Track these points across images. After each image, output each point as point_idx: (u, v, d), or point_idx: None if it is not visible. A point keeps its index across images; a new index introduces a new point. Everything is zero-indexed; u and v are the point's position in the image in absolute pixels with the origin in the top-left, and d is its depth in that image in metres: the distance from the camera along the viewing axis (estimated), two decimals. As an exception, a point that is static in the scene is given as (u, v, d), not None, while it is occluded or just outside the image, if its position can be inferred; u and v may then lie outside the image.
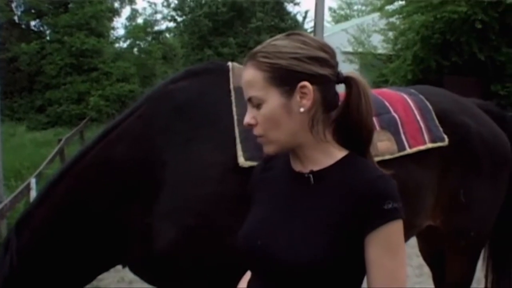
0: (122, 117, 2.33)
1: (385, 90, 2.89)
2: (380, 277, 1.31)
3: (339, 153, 1.45)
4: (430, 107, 2.72)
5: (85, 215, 2.20)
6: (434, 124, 2.65)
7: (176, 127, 2.25)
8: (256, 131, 1.42)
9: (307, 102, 1.39)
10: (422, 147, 2.57)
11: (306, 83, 1.38)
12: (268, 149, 1.44)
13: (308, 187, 1.43)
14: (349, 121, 1.45)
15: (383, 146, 2.43)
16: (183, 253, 2.16)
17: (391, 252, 1.31)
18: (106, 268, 2.40)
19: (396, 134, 2.52)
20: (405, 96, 2.75)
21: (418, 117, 2.65)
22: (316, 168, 1.44)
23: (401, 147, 2.50)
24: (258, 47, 1.42)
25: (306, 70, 1.38)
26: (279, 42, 1.41)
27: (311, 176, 1.43)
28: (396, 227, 1.33)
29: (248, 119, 1.42)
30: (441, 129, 2.65)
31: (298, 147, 1.44)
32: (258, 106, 1.39)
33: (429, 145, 2.59)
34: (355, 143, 1.47)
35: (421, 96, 2.78)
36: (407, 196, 2.43)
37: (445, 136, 2.64)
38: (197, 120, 2.27)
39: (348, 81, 1.46)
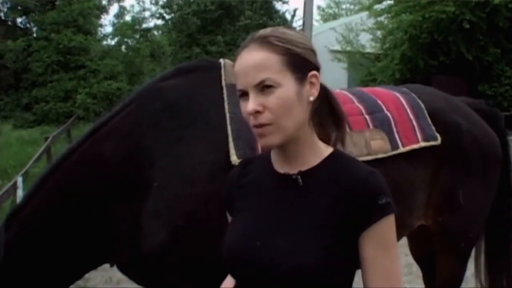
0: (111, 115, 2.29)
1: (377, 88, 2.88)
2: (377, 276, 1.30)
3: (326, 150, 1.42)
4: (423, 105, 2.71)
5: (72, 212, 2.16)
6: (426, 123, 2.64)
7: (166, 125, 2.21)
8: (263, 119, 1.32)
9: (315, 92, 1.38)
10: (415, 146, 2.55)
11: (316, 72, 1.38)
12: (272, 140, 1.34)
13: (296, 189, 1.39)
14: (323, 113, 1.45)
15: (376, 145, 2.41)
16: (172, 254, 2.11)
17: (386, 249, 1.31)
18: (94, 267, 2.35)
19: (389, 133, 2.51)
20: (398, 94, 2.74)
21: (411, 116, 2.64)
22: (303, 168, 1.40)
23: (394, 146, 2.49)
24: (265, 32, 1.36)
25: (314, 61, 1.38)
26: (287, 31, 1.38)
27: (299, 177, 1.39)
28: (390, 222, 1.33)
29: (254, 105, 1.31)
30: (433, 128, 2.65)
31: (293, 142, 1.38)
32: (269, 91, 1.31)
33: (422, 144, 2.58)
34: (332, 134, 1.46)
35: (413, 95, 2.77)
36: (400, 196, 2.42)
37: (438, 135, 2.63)
38: (187, 118, 2.23)
39: None
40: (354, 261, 1.33)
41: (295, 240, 1.32)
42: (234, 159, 2.10)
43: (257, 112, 1.31)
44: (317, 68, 1.39)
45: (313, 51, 1.39)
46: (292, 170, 1.41)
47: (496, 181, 2.94)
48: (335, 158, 1.41)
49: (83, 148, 2.21)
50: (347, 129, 2.35)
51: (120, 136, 2.21)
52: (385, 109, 2.59)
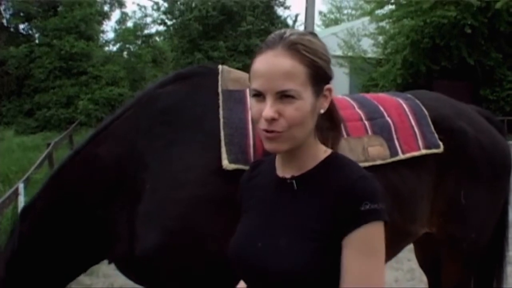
0: (112, 118, 2.36)
1: (380, 94, 2.85)
2: (350, 281, 1.26)
3: (324, 154, 1.43)
4: (426, 112, 2.67)
5: (71, 211, 2.26)
6: (429, 130, 2.60)
7: (159, 129, 2.26)
8: (277, 126, 1.31)
9: (326, 105, 1.40)
10: (415, 153, 2.51)
11: (331, 86, 1.39)
12: (281, 147, 1.35)
13: (292, 193, 1.40)
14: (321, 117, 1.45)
15: (374, 151, 2.39)
16: (164, 256, 2.15)
17: (365, 255, 1.26)
18: (96, 262, 2.45)
19: (389, 140, 2.48)
20: (401, 101, 2.70)
21: (413, 123, 2.60)
22: (299, 172, 1.41)
23: (393, 153, 2.46)
24: (293, 37, 1.33)
25: (330, 73, 1.39)
26: (313, 39, 1.37)
27: (293, 181, 1.40)
28: (373, 229, 1.27)
29: (272, 113, 1.29)
30: (436, 135, 2.60)
31: (299, 147, 1.39)
32: (288, 100, 1.30)
33: (423, 152, 2.53)
34: (326, 143, 1.47)
35: (417, 101, 2.73)
36: (401, 203, 2.43)
37: (440, 143, 2.58)
38: (180, 123, 2.27)
39: None
40: None
41: (286, 243, 1.33)
42: (226, 163, 2.12)
43: (273, 119, 1.30)
44: (330, 80, 1.40)
45: (330, 63, 1.39)
46: (289, 174, 1.42)
47: (505, 188, 2.90)
48: (330, 162, 1.41)
49: (84, 151, 2.31)
50: (345, 135, 2.36)
51: (115, 140, 2.28)
52: (386, 115, 2.56)
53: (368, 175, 1.35)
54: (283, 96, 1.29)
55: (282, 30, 1.37)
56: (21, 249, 2.28)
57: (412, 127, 2.58)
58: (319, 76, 1.34)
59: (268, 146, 1.36)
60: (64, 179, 2.30)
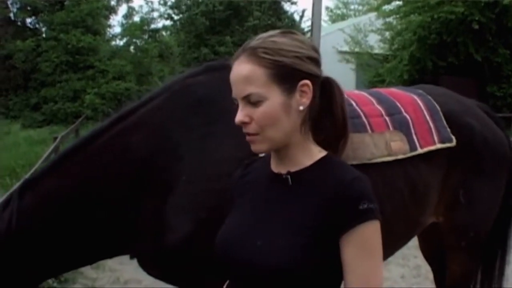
0: (138, 104, 2.34)
1: (394, 90, 2.93)
2: (354, 278, 1.30)
3: (319, 154, 1.46)
4: (438, 108, 2.76)
5: (93, 198, 2.21)
6: (442, 125, 2.70)
7: (194, 121, 2.28)
8: (250, 129, 1.39)
9: (306, 101, 1.40)
10: (432, 147, 2.61)
11: (307, 81, 1.39)
12: (261, 148, 1.41)
13: (286, 188, 1.43)
14: (326, 120, 1.47)
15: (396, 146, 2.48)
16: (195, 247, 2.16)
17: (366, 253, 1.31)
18: (109, 256, 2.43)
19: (407, 135, 2.57)
20: (415, 96, 2.80)
21: (428, 118, 2.69)
22: (294, 168, 1.44)
23: (412, 147, 2.56)
24: (255, 42, 1.39)
25: (306, 69, 1.39)
26: (279, 39, 1.39)
27: (289, 177, 1.43)
28: (372, 228, 1.32)
29: (241, 117, 1.39)
30: (449, 130, 2.70)
31: (286, 146, 1.43)
32: (256, 103, 1.36)
33: (439, 146, 2.64)
34: (329, 141, 1.49)
35: (429, 97, 2.82)
36: (417, 195, 2.55)
37: (453, 137, 2.68)
38: (215, 115, 2.29)
39: (328, 82, 1.48)
40: (337, 263, 1.34)
41: (276, 238, 1.36)
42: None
43: (244, 123, 1.37)
44: (312, 75, 1.40)
45: (309, 58, 1.40)
46: (285, 170, 1.45)
47: (504, 181, 3.01)
48: (326, 162, 1.44)
49: (109, 135, 2.27)
50: (369, 130, 2.44)
51: (149, 129, 2.27)
52: (403, 111, 2.66)
53: (362, 176, 1.39)
54: (249, 100, 1.36)
55: (252, 38, 1.44)
56: (20, 224, 2.15)
57: (427, 122, 2.68)
58: (286, 74, 1.36)
59: (251, 148, 1.43)
60: (84, 164, 2.23)
